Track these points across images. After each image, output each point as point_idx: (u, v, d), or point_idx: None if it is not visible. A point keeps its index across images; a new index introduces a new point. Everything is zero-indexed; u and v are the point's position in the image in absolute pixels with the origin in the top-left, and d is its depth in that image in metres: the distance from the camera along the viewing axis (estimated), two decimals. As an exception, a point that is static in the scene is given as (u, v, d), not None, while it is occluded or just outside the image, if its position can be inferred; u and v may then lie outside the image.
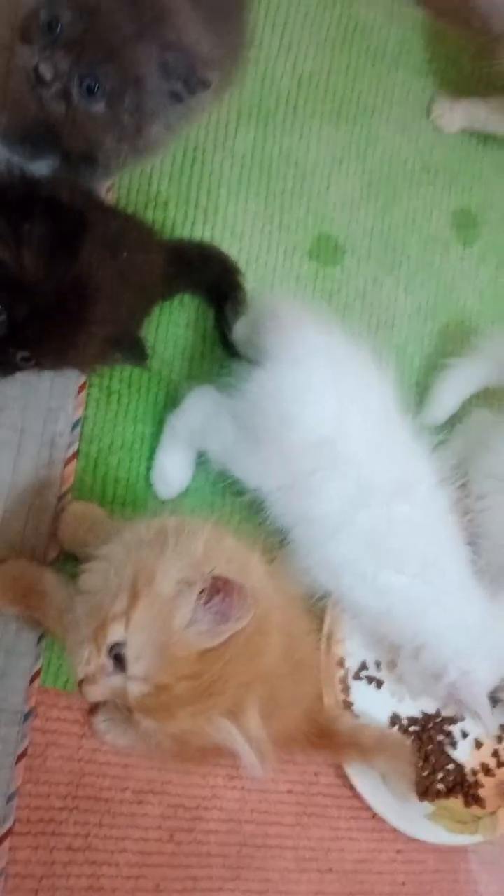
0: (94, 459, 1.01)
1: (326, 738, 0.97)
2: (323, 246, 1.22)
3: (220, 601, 0.64)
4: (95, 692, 0.67)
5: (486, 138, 1.37)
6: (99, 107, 0.76)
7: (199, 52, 0.76)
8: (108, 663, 0.66)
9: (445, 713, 1.13)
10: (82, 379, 1.01)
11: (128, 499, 1.02)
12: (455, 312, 1.31)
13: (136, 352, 0.91)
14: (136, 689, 0.65)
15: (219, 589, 0.64)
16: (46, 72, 0.73)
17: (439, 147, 1.34)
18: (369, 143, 1.28)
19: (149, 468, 1.04)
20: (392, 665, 1.06)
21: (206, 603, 0.65)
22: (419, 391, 1.21)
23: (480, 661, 0.95)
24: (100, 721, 0.91)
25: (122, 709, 0.67)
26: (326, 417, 0.92)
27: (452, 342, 1.28)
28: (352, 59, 1.28)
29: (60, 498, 0.98)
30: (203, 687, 0.65)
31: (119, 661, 0.65)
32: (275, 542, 0.99)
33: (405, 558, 0.95)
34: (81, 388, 1.01)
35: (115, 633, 0.66)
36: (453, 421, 1.18)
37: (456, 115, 1.32)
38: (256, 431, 0.94)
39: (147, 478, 1.04)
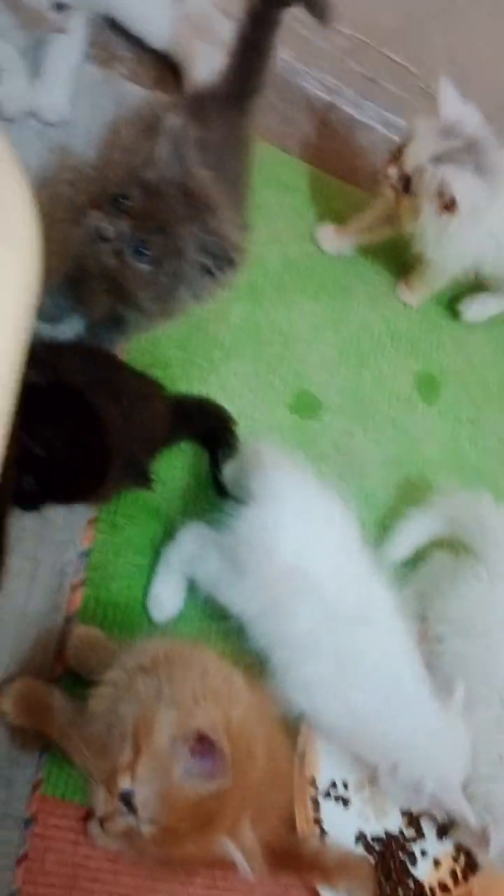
0: (98, 586, 1.13)
1: (291, 858, 1.03)
2: (303, 401, 1.39)
3: (206, 756, 0.76)
4: (113, 829, 0.78)
5: (448, 312, 1.58)
6: (145, 267, 0.95)
7: (231, 239, 0.95)
8: (121, 807, 0.78)
9: (423, 817, 1.22)
10: (91, 514, 1.15)
11: (126, 622, 1.14)
12: (418, 463, 1.48)
13: (142, 479, 1.04)
14: (146, 830, 0.77)
15: (203, 745, 0.76)
16: (108, 231, 0.92)
17: (404, 318, 1.55)
18: (344, 315, 1.48)
19: (145, 594, 1.17)
20: (373, 781, 1.14)
21: (194, 758, 0.77)
22: (385, 532, 1.35)
23: (449, 766, 1.06)
24: (94, 826, 0.99)
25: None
26: (297, 548, 1.05)
27: (416, 489, 1.44)
28: (331, 246, 1.50)
29: (68, 621, 1.09)
30: (205, 821, 0.77)
31: (130, 804, 0.77)
32: (255, 662, 1.12)
33: (370, 679, 1.06)
34: (91, 522, 1.15)
35: (124, 783, 0.77)
36: (416, 559, 1.33)
37: (336, 239, 1.47)
38: (240, 561, 1.07)
39: (144, 603, 1.16)
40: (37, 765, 1.03)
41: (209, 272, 0.96)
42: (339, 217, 1.51)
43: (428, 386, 1.54)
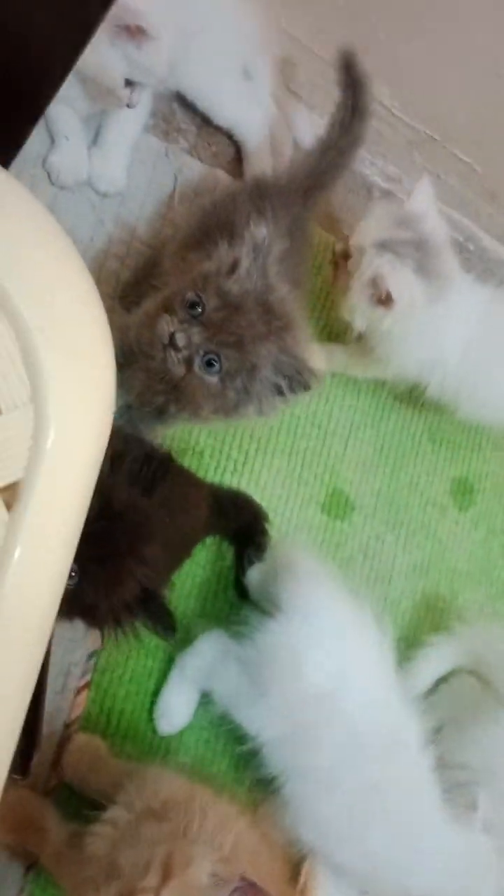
0: (104, 690, 1.07)
1: None
2: (335, 501, 1.33)
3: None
4: None
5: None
6: (214, 380, 0.88)
7: (307, 361, 0.90)
8: None
9: None
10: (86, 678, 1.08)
11: (130, 731, 1.07)
12: (446, 572, 1.42)
13: (163, 619, 0.95)
14: None
15: (247, 891, 0.70)
16: (181, 339, 0.86)
17: (446, 421, 1.49)
18: (384, 413, 1.43)
19: (153, 703, 1.09)
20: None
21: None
22: (407, 646, 1.28)
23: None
24: None
25: None
26: (330, 672, 0.99)
27: (442, 600, 1.38)
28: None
29: (68, 726, 1.03)
30: None
31: None
32: (262, 793, 1.05)
33: (391, 819, 0.99)
34: (85, 686, 1.07)
35: None
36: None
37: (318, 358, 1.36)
38: (263, 679, 1.00)
39: (150, 711, 1.09)
40: (21, 883, 0.95)
41: (280, 392, 0.89)
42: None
43: (463, 492, 1.48)
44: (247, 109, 1.34)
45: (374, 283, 1.13)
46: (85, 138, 1.19)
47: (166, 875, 0.70)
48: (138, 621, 0.87)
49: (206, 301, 0.87)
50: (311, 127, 1.44)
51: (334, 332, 1.38)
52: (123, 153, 1.22)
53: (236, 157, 1.36)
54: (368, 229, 1.15)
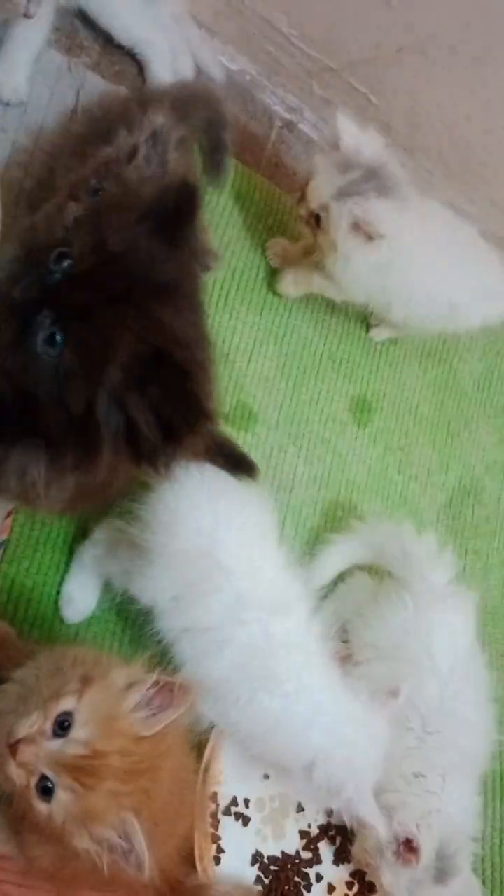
0: (11, 580, 1.10)
1: (178, 892, 1.00)
2: (239, 413, 1.39)
3: (163, 697, 0.79)
4: (31, 752, 0.75)
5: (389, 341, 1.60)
6: None
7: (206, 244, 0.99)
8: (50, 729, 0.76)
9: (321, 839, 1.22)
10: (10, 506, 1.11)
11: (37, 621, 1.10)
12: (346, 484, 1.49)
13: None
14: (74, 750, 0.75)
15: (163, 687, 0.78)
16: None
17: (346, 341, 1.56)
18: (287, 332, 1.48)
19: (59, 594, 1.13)
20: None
21: (152, 697, 0.79)
22: (308, 551, 1.35)
23: (367, 772, 1.04)
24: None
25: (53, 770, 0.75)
26: (202, 529, 1.02)
27: (341, 509, 1.45)
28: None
29: (-25, 613, 1.05)
30: (129, 768, 0.76)
31: (62, 729, 0.76)
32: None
33: (281, 678, 1.03)
34: (9, 513, 1.11)
35: (67, 703, 0.76)
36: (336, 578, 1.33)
37: (296, 284, 1.45)
38: (146, 546, 1.04)
39: (56, 602, 1.13)
40: None
41: None
42: (286, 232, 1.52)
43: (362, 410, 1.56)
44: (147, 30, 1.37)
45: (355, 227, 1.20)
46: (-15, 47, 1.20)
47: (86, 682, 0.77)
48: (155, 406, 0.71)
49: (107, 188, 0.90)
50: (212, 52, 1.48)
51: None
52: (26, 63, 1.24)
53: (140, 76, 1.39)
54: (321, 187, 1.22)
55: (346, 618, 1.25)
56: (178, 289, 0.77)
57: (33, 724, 0.76)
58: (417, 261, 1.30)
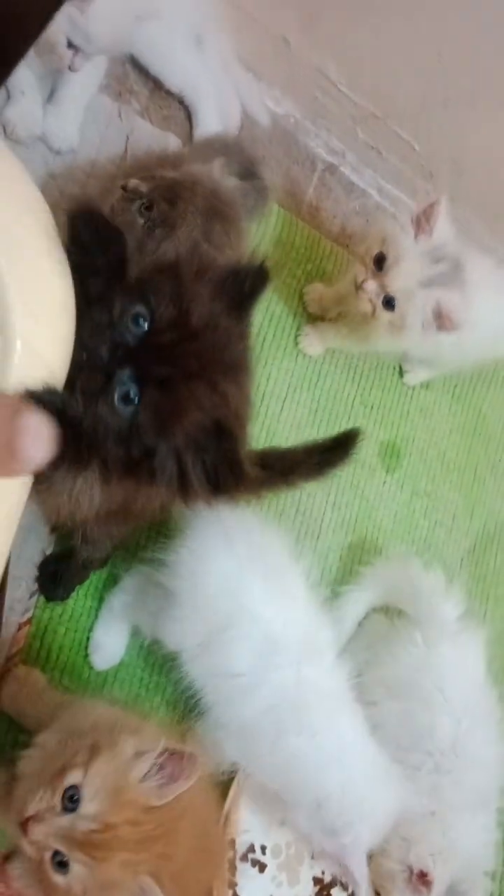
0: (44, 626, 1.12)
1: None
2: (270, 458, 1.40)
3: (173, 765, 0.79)
4: (41, 830, 0.76)
5: (420, 385, 1.61)
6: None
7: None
8: (59, 804, 0.77)
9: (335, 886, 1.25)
10: (25, 617, 1.12)
11: (69, 667, 1.13)
12: (372, 529, 1.50)
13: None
14: (84, 825, 0.76)
15: (172, 755, 0.78)
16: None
17: (378, 387, 1.57)
18: (320, 377, 1.50)
19: (89, 640, 1.15)
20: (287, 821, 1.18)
21: (160, 765, 0.79)
22: (333, 596, 1.36)
23: (367, 824, 1.06)
24: (14, 867, 0.97)
25: (65, 846, 0.76)
26: (226, 574, 1.04)
27: (367, 554, 1.46)
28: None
29: (9, 659, 1.08)
30: (142, 837, 0.77)
31: (72, 802, 0.76)
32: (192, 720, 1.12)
33: (308, 720, 1.05)
34: (22, 625, 1.12)
35: (74, 777, 0.77)
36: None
37: (316, 340, 1.47)
38: (173, 592, 1.06)
39: (86, 648, 1.15)
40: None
41: None
42: (325, 276, 1.53)
43: (390, 455, 1.57)
44: (197, 77, 1.38)
45: (437, 314, 1.22)
46: (41, 95, 1.21)
47: (94, 752, 0.77)
48: (206, 467, 0.78)
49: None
50: (259, 96, 1.49)
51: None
52: (77, 111, 1.25)
53: (187, 121, 1.40)
54: (409, 272, 1.22)
55: (361, 657, 1.27)
56: (243, 366, 0.84)
57: (41, 800, 0.76)
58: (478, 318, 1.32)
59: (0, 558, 0.67)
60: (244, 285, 0.82)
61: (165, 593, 1.08)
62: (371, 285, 1.24)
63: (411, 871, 1.15)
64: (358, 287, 1.26)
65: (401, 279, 1.22)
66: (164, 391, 0.76)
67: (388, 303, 1.24)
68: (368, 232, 1.42)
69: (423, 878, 1.14)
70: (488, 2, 1.30)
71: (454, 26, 1.35)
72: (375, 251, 1.24)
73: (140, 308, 0.77)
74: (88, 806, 0.76)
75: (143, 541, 1.22)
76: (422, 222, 1.22)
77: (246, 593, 1.05)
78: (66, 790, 0.77)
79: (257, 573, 1.06)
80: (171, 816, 0.81)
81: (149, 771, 0.79)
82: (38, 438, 0.43)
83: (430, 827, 1.19)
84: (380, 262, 1.24)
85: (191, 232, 1.00)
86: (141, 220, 0.99)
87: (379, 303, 1.25)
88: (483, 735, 1.25)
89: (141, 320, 0.77)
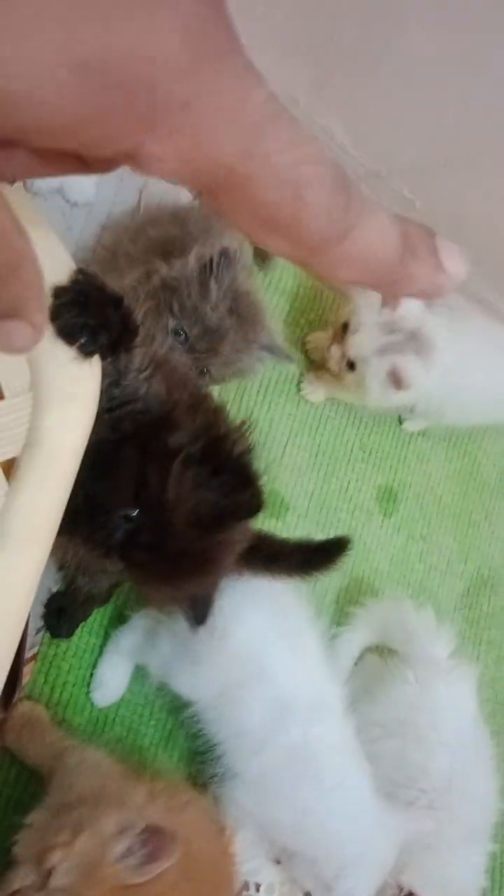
0: (49, 662, 1.15)
1: None
2: (271, 501, 1.44)
3: (154, 843, 0.79)
4: None
5: (417, 432, 1.66)
6: (204, 380, 1.11)
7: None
8: (40, 881, 0.78)
9: None
10: (33, 650, 1.16)
11: (71, 702, 1.15)
12: (369, 572, 1.54)
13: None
14: None
15: (153, 833, 0.79)
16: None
17: (377, 432, 1.62)
18: (321, 423, 1.54)
19: (91, 676, 1.18)
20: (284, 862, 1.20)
21: (142, 842, 0.80)
22: (329, 637, 1.39)
23: (364, 875, 1.09)
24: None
25: None
26: (254, 635, 1.09)
27: (364, 596, 1.50)
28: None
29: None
30: None
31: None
32: (192, 763, 1.14)
33: (321, 777, 1.09)
34: (29, 659, 1.15)
35: (55, 858, 0.79)
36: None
37: (318, 388, 1.54)
38: (193, 645, 1.08)
39: (89, 685, 1.18)
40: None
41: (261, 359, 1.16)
42: (326, 325, 1.58)
43: (388, 499, 1.61)
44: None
45: (390, 376, 1.33)
46: (59, 150, 1.27)
47: (76, 832, 0.79)
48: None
49: (189, 330, 1.05)
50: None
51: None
52: (92, 183, 1.31)
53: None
54: (365, 341, 1.34)
55: (356, 698, 1.30)
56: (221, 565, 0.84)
57: (25, 877, 0.79)
58: (466, 374, 1.43)
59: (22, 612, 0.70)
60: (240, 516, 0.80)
61: (180, 640, 1.10)
62: (334, 350, 1.39)
63: (400, 890, 1.17)
64: (325, 350, 1.41)
65: (356, 346, 1.35)
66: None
67: (350, 365, 1.37)
68: (345, 301, 1.51)
69: None
70: (488, 69, 1.37)
71: (457, 92, 1.42)
72: (343, 319, 1.39)
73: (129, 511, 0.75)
74: (61, 879, 0.77)
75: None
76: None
77: (267, 655, 1.09)
78: (48, 870, 0.78)
79: (279, 636, 1.11)
80: (155, 891, 0.81)
81: (128, 849, 0.80)
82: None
83: (424, 858, 1.21)
84: (345, 329, 1.37)
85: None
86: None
87: (343, 364, 1.38)
88: (477, 771, 1.28)
89: (128, 522, 0.75)
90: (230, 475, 0.74)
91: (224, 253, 1.03)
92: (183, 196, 1.42)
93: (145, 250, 1.16)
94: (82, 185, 1.30)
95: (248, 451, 0.77)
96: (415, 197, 1.61)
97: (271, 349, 1.19)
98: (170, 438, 0.71)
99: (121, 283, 1.10)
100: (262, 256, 1.46)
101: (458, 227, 1.61)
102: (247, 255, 1.08)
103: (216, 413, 0.78)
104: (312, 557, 1.07)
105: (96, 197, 1.32)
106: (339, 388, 1.49)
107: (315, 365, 1.54)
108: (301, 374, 1.53)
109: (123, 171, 1.13)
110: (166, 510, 0.73)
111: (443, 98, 1.44)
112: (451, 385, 1.43)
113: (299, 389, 1.53)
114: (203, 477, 0.73)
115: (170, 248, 1.12)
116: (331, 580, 1.48)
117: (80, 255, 1.29)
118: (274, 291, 1.54)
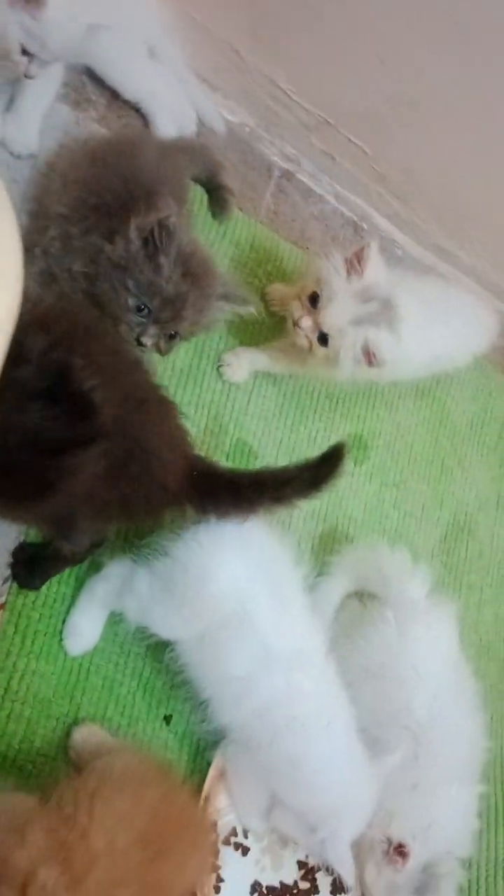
0: (18, 612, 1.13)
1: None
2: (239, 450, 1.43)
3: None
4: None
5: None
6: (175, 341, 1.15)
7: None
8: None
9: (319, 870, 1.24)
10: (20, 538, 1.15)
11: (43, 652, 1.13)
12: (343, 519, 1.53)
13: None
14: None
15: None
16: (147, 341, 1.11)
17: (343, 382, 1.60)
18: (285, 374, 1.53)
19: (64, 624, 1.16)
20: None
21: None
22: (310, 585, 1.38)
23: (348, 819, 1.09)
24: None
25: None
26: (237, 578, 1.08)
27: (338, 543, 1.49)
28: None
29: (-17, 644, 1.08)
30: None
31: None
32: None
33: (302, 721, 1.08)
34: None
35: None
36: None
37: (241, 365, 1.46)
38: (175, 586, 1.08)
39: (62, 633, 1.16)
40: None
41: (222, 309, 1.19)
42: (284, 277, 1.58)
43: (358, 447, 1.60)
44: (151, 86, 1.44)
45: (365, 351, 1.28)
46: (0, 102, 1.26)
47: None
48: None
49: (150, 303, 1.10)
50: (213, 106, 1.55)
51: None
52: (36, 119, 1.30)
53: (145, 128, 1.46)
54: (341, 311, 1.28)
55: (337, 642, 1.28)
56: None
57: None
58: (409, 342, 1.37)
59: None
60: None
61: (161, 582, 1.09)
62: (306, 322, 1.30)
63: (390, 843, 1.16)
64: (294, 324, 1.32)
65: (333, 317, 1.28)
66: None
67: (323, 339, 1.30)
68: (305, 271, 1.46)
69: (400, 849, 1.16)
70: (424, 9, 1.37)
71: (394, 33, 1.42)
72: (310, 290, 1.30)
73: None
74: None
75: (128, 533, 1.24)
76: (353, 264, 1.27)
77: (251, 600, 1.07)
78: None
79: (265, 581, 1.09)
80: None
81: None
82: None
83: (412, 801, 1.20)
84: (314, 300, 1.30)
85: None
86: None
87: (314, 338, 1.31)
88: (460, 708, 1.27)
89: None
90: (72, 407, 0.83)
91: (162, 225, 1.05)
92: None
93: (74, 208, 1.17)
94: (25, 138, 1.29)
95: (93, 388, 0.84)
96: (363, 143, 1.61)
97: (227, 297, 1.19)
98: (14, 372, 0.77)
99: (70, 266, 1.14)
100: (218, 207, 1.46)
101: (408, 172, 1.62)
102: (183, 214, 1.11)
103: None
104: (318, 472, 1.09)
105: (39, 149, 1.30)
106: (298, 363, 1.44)
107: (240, 343, 1.49)
108: (262, 323, 1.52)
109: (67, 123, 1.13)
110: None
111: (380, 39, 1.44)
112: (409, 350, 1.39)
113: (219, 370, 1.46)
114: (44, 408, 0.83)
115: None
116: (304, 527, 1.47)
117: (26, 206, 1.28)
118: (230, 244, 1.53)
